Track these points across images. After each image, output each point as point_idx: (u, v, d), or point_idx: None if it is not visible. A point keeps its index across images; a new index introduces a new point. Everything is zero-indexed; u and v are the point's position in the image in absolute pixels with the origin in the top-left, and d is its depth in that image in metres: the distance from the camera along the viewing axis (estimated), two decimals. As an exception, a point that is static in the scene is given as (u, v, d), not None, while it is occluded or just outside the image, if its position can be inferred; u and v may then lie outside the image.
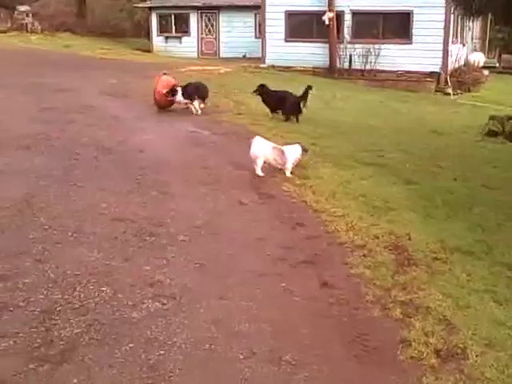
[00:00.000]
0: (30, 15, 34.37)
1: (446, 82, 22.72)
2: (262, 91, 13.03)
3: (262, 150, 8.15)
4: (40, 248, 5.27)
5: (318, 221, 6.73)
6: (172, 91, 12.34)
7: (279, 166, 8.29)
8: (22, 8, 35.42)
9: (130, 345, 3.95)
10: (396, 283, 5.24)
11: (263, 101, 13.08)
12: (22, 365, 3.62)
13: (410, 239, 6.35)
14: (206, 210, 6.74)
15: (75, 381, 3.59)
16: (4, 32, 32.28)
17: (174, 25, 32.92)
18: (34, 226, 5.76)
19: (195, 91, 12.69)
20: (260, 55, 25.95)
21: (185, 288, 4.81)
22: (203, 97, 12.96)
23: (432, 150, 11.45)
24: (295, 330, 4.37)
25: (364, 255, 5.78)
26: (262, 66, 24.30)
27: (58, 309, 4.30)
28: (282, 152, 8.21)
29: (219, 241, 5.93)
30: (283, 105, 12.79)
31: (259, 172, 8.14)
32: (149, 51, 31.78)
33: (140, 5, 35.37)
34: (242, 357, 3.97)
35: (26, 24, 32.59)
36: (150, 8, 33.69)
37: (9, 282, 4.61)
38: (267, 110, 13.03)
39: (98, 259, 5.19)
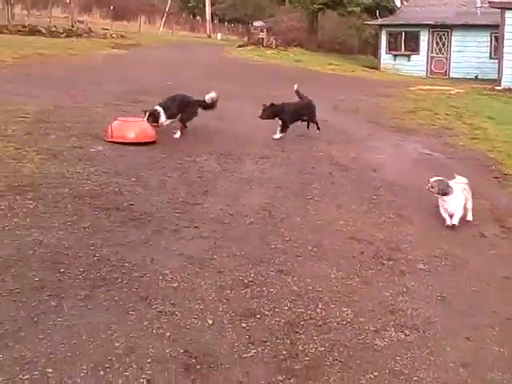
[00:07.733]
0: (265, 30, 36.47)
1: None
2: None
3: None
4: (282, 259, 5.37)
5: None
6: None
7: None
8: (257, 23, 37.84)
9: (375, 373, 3.80)
10: None
11: None
12: (271, 375, 3.65)
13: None
14: (446, 239, 6.41)
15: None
16: (243, 46, 34.70)
17: (404, 43, 32.57)
18: (276, 236, 5.90)
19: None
20: (494, 77, 24.53)
21: (428, 321, 4.57)
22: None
23: None
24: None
25: None
26: (497, 88, 22.88)
27: (301, 323, 4.31)
28: None
29: (461, 274, 5.58)
30: None
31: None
32: (376, 68, 31.81)
33: (370, 22, 35.69)
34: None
35: (262, 39, 34.57)
36: (381, 26, 33.76)
37: (255, 289, 4.74)
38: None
39: (338, 278, 5.15)
